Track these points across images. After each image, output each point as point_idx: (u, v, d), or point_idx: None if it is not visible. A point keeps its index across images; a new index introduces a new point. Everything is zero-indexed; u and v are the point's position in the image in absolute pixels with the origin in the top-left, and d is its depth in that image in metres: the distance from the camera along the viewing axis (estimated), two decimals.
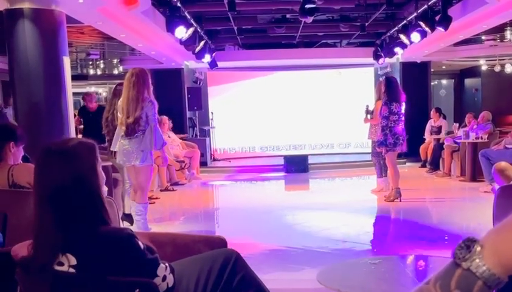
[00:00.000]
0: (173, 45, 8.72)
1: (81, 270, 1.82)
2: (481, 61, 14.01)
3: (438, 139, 10.18)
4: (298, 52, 11.61)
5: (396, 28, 8.77)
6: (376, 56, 10.39)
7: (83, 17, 6.43)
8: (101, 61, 13.94)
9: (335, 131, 12.85)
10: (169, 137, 9.02)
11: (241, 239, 5.22)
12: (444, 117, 11.12)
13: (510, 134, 8.06)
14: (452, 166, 9.38)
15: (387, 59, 10.47)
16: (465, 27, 8.05)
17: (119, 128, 5.18)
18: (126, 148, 5.08)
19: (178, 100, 11.54)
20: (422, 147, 10.68)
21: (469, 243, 0.78)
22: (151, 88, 5.12)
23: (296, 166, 10.69)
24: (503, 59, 13.63)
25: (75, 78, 11.07)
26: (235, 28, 9.42)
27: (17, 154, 3.32)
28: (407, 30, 8.06)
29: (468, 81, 16.37)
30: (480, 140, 8.63)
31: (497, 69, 13.77)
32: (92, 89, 17.19)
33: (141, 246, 1.93)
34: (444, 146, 9.61)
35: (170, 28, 6.84)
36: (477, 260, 0.76)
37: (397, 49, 9.19)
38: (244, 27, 9.82)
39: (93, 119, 8.21)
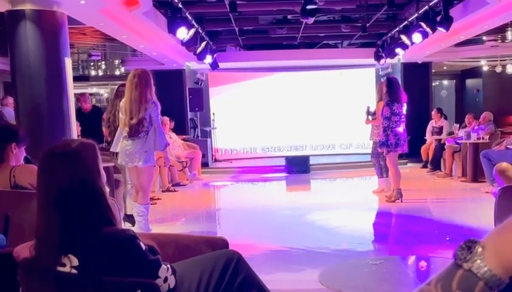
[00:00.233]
0: (175, 46, 8.73)
1: (83, 271, 1.83)
2: (483, 62, 13.97)
3: (439, 140, 10.17)
4: (300, 52, 11.61)
5: (397, 28, 8.76)
6: (377, 57, 10.37)
7: (84, 18, 6.44)
8: (103, 62, 13.93)
9: (336, 131, 12.85)
10: (170, 137, 9.03)
11: (242, 240, 5.22)
12: (445, 118, 11.10)
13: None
14: (453, 166, 9.37)
15: (388, 60, 10.46)
16: (466, 28, 8.04)
17: (121, 128, 5.18)
18: (128, 148, 5.06)
19: (179, 101, 11.54)
20: (423, 148, 10.66)
21: (470, 244, 0.78)
22: (154, 89, 5.12)
23: (297, 167, 10.68)
24: (505, 60, 13.59)
25: (76, 79, 11.09)
26: (236, 29, 9.43)
27: (19, 155, 3.31)
28: (408, 30, 8.06)
29: (469, 82, 16.35)
30: (481, 141, 8.61)
31: (498, 69, 13.75)
32: (94, 90, 17.21)
33: (143, 247, 1.94)
34: (445, 146, 9.61)
35: (172, 29, 6.85)
36: (478, 261, 0.76)
37: (398, 50, 9.19)
38: (245, 28, 9.83)
39: (89, 120, 8.22)
